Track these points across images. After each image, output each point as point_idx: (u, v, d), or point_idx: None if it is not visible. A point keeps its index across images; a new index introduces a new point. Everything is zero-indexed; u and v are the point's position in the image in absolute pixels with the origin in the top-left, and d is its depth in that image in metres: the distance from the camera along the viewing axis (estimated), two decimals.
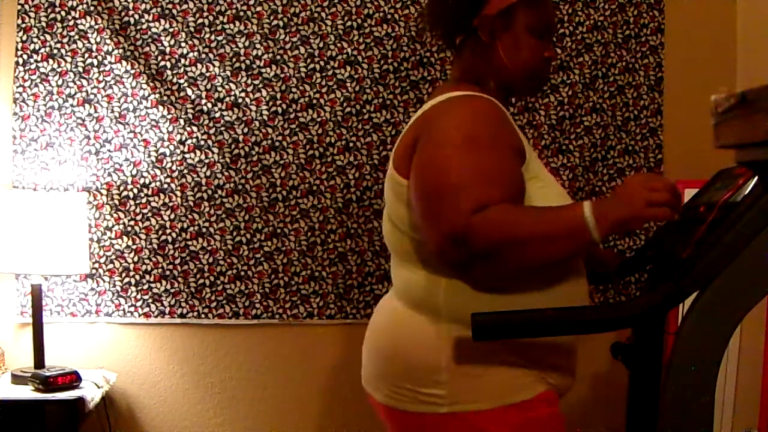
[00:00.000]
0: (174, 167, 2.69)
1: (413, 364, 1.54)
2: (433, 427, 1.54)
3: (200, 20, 2.70)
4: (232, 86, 2.71)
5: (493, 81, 1.64)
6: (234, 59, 2.71)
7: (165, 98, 2.68)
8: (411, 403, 1.55)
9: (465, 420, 1.51)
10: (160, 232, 2.68)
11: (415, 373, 1.54)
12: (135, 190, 2.68)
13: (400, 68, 2.78)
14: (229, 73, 2.71)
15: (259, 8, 2.73)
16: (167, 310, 2.69)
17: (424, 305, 1.55)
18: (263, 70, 2.72)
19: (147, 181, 2.68)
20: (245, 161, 2.72)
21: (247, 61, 2.72)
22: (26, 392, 2.32)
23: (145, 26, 2.67)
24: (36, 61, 2.63)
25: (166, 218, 2.69)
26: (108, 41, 2.64)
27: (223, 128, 2.71)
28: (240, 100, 2.71)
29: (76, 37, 2.64)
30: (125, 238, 2.67)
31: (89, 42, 2.65)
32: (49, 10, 2.63)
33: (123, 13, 2.66)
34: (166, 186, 2.69)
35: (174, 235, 2.69)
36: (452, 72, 1.75)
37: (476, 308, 1.40)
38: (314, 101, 2.75)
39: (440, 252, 1.46)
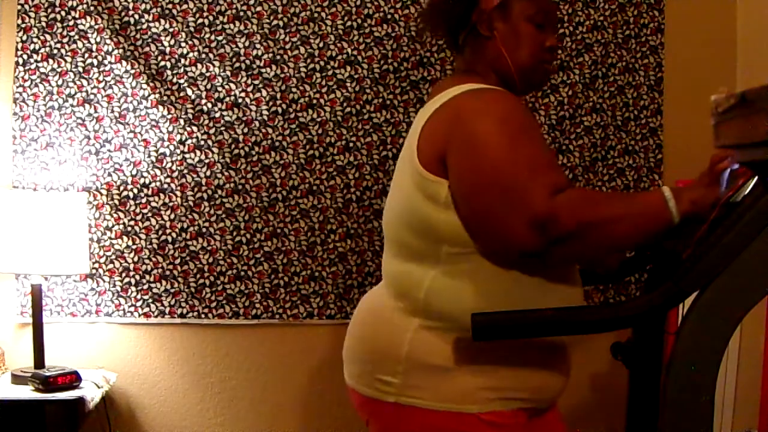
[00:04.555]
0: (174, 167, 2.69)
1: (377, 349, 1.57)
2: (379, 413, 1.57)
3: (200, 20, 2.70)
4: (232, 86, 2.71)
5: (495, 75, 1.63)
6: (234, 59, 2.71)
7: (165, 98, 2.68)
8: (368, 388, 1.57)
9: (407, 413, 1.52)
10: (160, 232, 2.68)
11: (376, 357, 1.56)
12: (135, 190, 2.68)
13: (400, 68, 2.78)
14: (229, 73, 2.71)
15: (259, 8, 2.73)
16: (167, 310, 2.69)
17: (406, 298, 1.55)
18: (263, 70, 2.72)
19: (147, 181, 2.68)
20: (245, 161, 2.72)
21: (247, 61, 2.72)
22: (26, 392, 2.32)
23: (145, 26, 2.67)
24: (36, 61, 2.63)
25: (166, 218, 2.69)
26: (108, 41, 2.64)
27: (223, 128, 2.71)
28: (240, 100, 2.71)
29: (76, 37, 2.64)
30: (125, 238, 2.67)
31: (89, 42, 2.65)
32: (49, 10, 2.63)
33: (123, 13, 2.66)
34: (166, 186, 2.69)
35: (174, 235, 2.69)
36: (456, 68, 1.73)
37: (454, 309, 1.40)
38: (314, 101, 2.75)
39: (519, 243, 1.41)
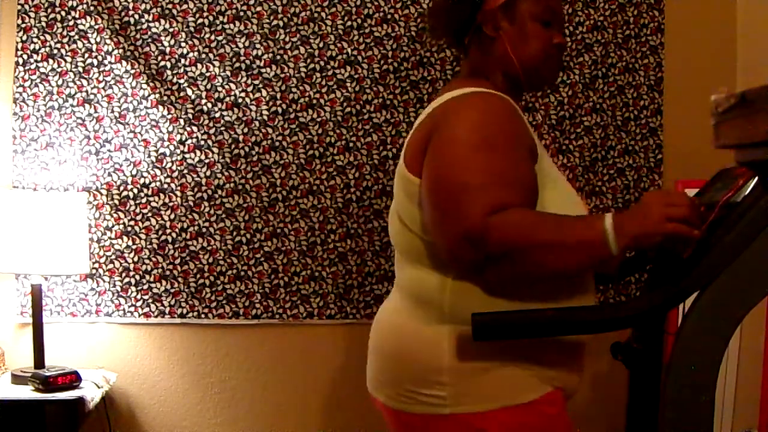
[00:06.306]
0: (174, 167, 2.69)
1: (415, 366, 1.54)
2: (435, 428, 1.53)
3: (200, 20, 2.70)
4: (232, 86, 2.71)
5: (503, 75, 1.62)
6: (234, 59, 2.71)
7: (165, 98, 2.68)
8: (413, 405, 1.54)
9: (467, 421, 1.50)
10: (160, 232, 2.68)
11: (417, 374, 1.53)
12: (135, 190, 2.68)
13: (400, 68, 2.78)
14: (229, 73, 2.71)
15: (259, 8, 2.73)
16: (167, 310, 2.69)
17: (428, 305, 1.54)
18: (263, 70, 2.72)
19: (147, 181, 2.68)
20: (245, 161, 2.72)
21: (247, 61, 2.72)
22: (26, 392, 2.32)
23: (145, 26, 2.67)
24: (36, 61, 2.63)
25: (166, 218, 2.69)
26: (108, 41, 2.64)
27: (223, 128, 2.71)
28: (240, 100, 2.71)
29: (76, 37, 2.64)
30: (125, 238, 2.67)
31: (89, 42, 2.65)
32: (49, 10, 2.63)
33: (123, 13, 2.66)
34: (166, 186, 2.69)
35: (174, 235, 2.69)
36: (461, 70, 1.73)
37: (483, 310, 1.39)
38: (314, 101, 2.74)
39: (453, 252, 1.44)
